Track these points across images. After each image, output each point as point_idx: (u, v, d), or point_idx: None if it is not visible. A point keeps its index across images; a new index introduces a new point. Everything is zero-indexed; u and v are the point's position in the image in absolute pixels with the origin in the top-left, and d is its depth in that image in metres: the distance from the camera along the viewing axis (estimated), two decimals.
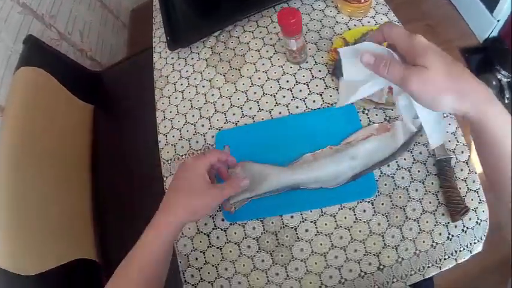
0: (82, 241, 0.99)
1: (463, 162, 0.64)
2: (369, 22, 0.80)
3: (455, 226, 0.60)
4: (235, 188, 0.60)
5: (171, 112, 0.79)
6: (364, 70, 0.48)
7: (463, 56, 1.78)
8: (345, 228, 0.62)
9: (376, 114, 0.69)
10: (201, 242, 0.66)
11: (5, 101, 0.98)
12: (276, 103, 0.73)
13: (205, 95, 0.78)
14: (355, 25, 0.80)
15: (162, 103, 0.81)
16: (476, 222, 0.60)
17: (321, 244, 0.61)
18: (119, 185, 1.12)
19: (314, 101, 0.72)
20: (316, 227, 0.62)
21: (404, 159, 0.65)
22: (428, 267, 0.59)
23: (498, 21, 1.65)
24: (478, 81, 0.42)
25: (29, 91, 0.98)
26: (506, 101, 1.65)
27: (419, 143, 0.66)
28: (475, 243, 0.59)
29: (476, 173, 0.63)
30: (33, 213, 0.84)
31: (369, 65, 0.46)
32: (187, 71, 0.83)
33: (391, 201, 0.62)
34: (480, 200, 0.61)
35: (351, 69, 0.50)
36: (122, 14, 2.00)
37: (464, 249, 0.59)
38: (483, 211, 0.60)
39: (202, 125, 0.75)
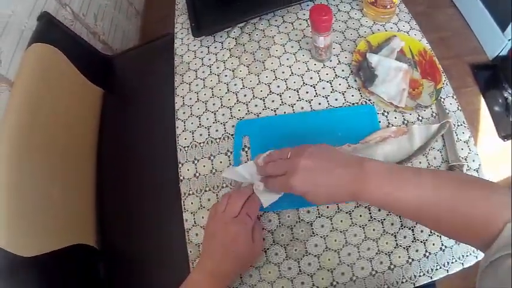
0: (83, 227, 0.98)
1: (474, 170, 0.66)
2: (391, 28, 0.81)
3: None
4: (255, 210, 0.60)
5: (190, 99, 0.79)
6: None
7: (472, 71, 1.80)
8: (360, 226, 0.62)
9: (395, 117, 0.70)
10: None
11: (14, 76, 0.95)
12: (299, 98, 0.74)
13: (227, 84, 0.78)
14: (378, 29, 0.81)
15: (182, 89, 0.81)
16: None
17: (335, 240, 0.62)
18: (124, 173, 1.10)
19: (336, 99, 0.72)
20: (331, 223, 0.63)
21: (420, 162, 0.66)
22: (437, 269, 0.59)
23: (509, 40, 1.67)
24: (347, 166, 0.51)
25: (40, 67, 0.97)
26: None
27: (434, 148, 0.67)
28: None
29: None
30: (37, 193, 0.83)
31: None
32: (209, 59, 0.83)
33: None
34: None
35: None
36: (136, 1, 1.99)
37: (470, 254, 0.60)
38: None
39: (223, 114, 0.75)
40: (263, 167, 0.57)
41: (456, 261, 0.59)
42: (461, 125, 0.70)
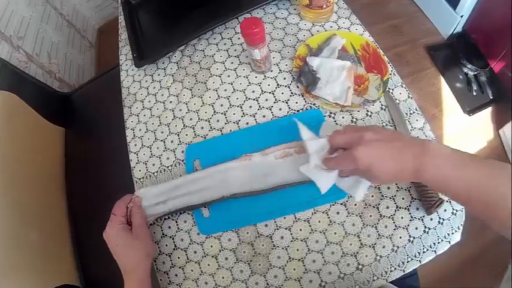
0: (63, 267, 0.97)
1: None
2: (331, 27, 0.81)
3: (431, 219, 0.61)
4: (141, 215, 0.64)
5: (140, 130, 0.79)
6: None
7: (429, 53, 1.83)
8: (320, 232, 0.62)
9: (343, 117, 0.70)
10: (179, 258, 0.66)
11: None
12: (243, 114, 0.74)
13: (173, 110, 0.78)
14: (318, 31, 0.81)
15: (131, 121, 0.81)
16: (452, 212, 0.61)
17: (298, 250, 0.62)
18: (95, 207, 1.09)
19: (280, 109, 0.73)
20: (291, 233, 0.63)
21: None
22: (408, 261, 0.59)
23: (461, 16, 1.71)
24: (410, 143, 0.49)
25: None
26: (474, 94, 1.70)
27: None
28: (452, 233, 0.60)
29: None
30: (11, 241, 0.83)
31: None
32: (154, 88, 0.83)
33: (364, 201, 0.63)
34: None
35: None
36: (89, 33, 1.99)
37: (442, 240, 0.60)
38: None
39: (172, 141, 0.75)
40: (332, 137, 0.55)
41: (428, 250, 0.60)
42: (413, 112, 0.70)
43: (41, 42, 1.51)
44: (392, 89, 0.72)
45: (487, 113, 1.68)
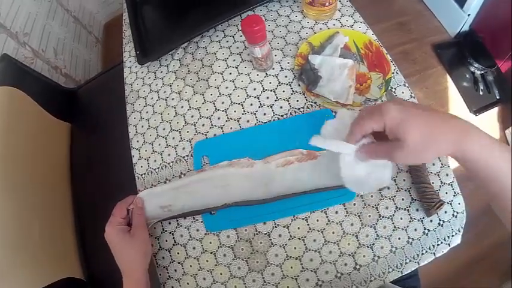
0: (67, 260, 0.98)
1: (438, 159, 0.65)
2: (334, 25, 0.81)
3: (431, 221, 0.61)
4: (140, 216, 0.65)
5: (142, 127, 0.79)
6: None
7: (435, 51, 1.82)
8: (318, 231, 0.62)
9: None
10: (178, 253, 0.66)
11: None
12: (244, 111, 0.74)
13: (175, 107, 0.79)
14: (320, 29, 0.81)
15: (134, 118, 0.81)
16: (453, 215, 0.61)
17: (295, 248, 0.62)
18: (99, 202, 1.10)
19: (281, 107, 0.73)
20: (289, 232, 0.63)
21: None
22: (406, 263, 0.59)
23: (469, 15, 1.70)
24: (452, 121, 0.43)
25: (5, 111, 0.98)
26: (481, 93, 1.69)
27: None
28: (452, 235, 0.60)
29: (449, 166, 0.64)
30: (17, 236, 0.84)
31: (362, 158, 0.49)
32: (157, 85, 0.83)
33: (363, 200, 0.63)
34: (455, 192, 0.62)
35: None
36: (95, 29, 1.99)
37: (442, 242, 0.60)
38: (459, 203, 0.62)
39: (173, 138, 0.75)
40: (358, 120, 0.48)
41: (426, 252, 0.59)
42: None
43: (47, 38, 1.52)
44: (395, 88, 0.72)
45: (493, 113, 1.66)
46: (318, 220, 0.63)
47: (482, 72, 1.71)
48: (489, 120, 1.65)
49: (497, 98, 1.67)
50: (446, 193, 0.62)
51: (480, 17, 1.70)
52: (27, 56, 1.35)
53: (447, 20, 1.87)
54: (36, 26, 1.46)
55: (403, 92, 0.71)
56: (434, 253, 0.59)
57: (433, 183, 0.62)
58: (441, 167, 0.64)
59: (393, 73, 0.72)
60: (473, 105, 1.68)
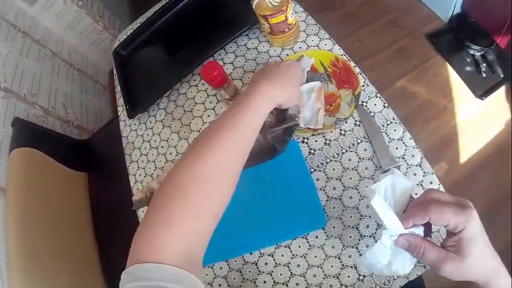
0: None
1: (416, 165, 0.66)
2: (300, 48, 0.83)
3: None
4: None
5: (140, 175, 0.86)
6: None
7: (431, 41, 1.79)
8: (301, 257, 0.66)
9: (316, 141, 0.73)
10: None
11: (5, 183, 1.05)
12: None
13: (164, 154, 0.85)
14: (287, 54, 0.83)
15: (132, 168, 0.89)
16: (437, 231, 0.61)
17: (281, 274, 0.66)
18: (120, 243, 1.18)
19: None
20: (274, 259, 0.68)
21: (350, 178, 0.68)
22: (394, 279, 0.60)
23: None
24: (493, 260, 0.43)
25: (24, 171, 1.07)
26: (484, 75, 1.65)
27: (364, 159, 0.68)
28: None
29: (432, 173, 0.65)
30: (45, 283, 0.92)
31: (403, 247, 0.45)
32: (148, 135, 0.90)
33: (342, 222, 0.66)
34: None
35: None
36: (101, 77, 2.04)
37: None
38: None
39: None
40: (423, 207, 0.43)
41: (416, 265, 0.56)
42: (391, 122, 0.70)
43: (54, 95, 1.59)
44: (366, 102, 0.73)
45: (499, 96, 1.62)
46: (299, 246, 0.67)
47: (482, 52, 1.65)
48: (496, 103, 1.61)
49: (501, 76, 1.62)
50: None
51: None
52: (38, 115, 1.41)
53: (437, 5, 1.82)
54: (42, 85, 1.53)
55: (375, 104, 0.72)
56: (424, 266, 0.60)
57: (416, 194, 0.62)
58: (424, 176, 0.65)
59: (363, 86, 0.73)
60: (478, 89, 1.64)
